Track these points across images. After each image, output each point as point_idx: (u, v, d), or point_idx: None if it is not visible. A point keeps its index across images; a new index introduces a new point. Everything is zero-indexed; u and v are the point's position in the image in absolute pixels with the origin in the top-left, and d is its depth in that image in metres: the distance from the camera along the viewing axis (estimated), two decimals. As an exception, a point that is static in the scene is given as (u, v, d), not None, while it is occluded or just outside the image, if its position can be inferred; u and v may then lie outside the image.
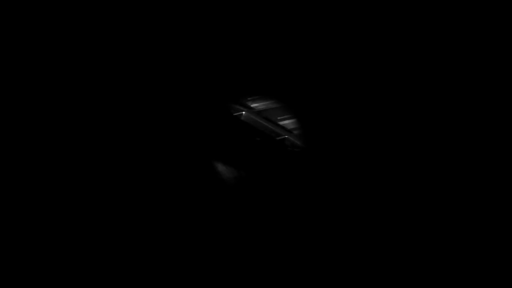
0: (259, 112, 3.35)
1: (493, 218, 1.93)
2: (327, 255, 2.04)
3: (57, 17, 1.78)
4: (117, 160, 1.98)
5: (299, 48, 1.86)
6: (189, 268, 2.00)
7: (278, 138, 2.92)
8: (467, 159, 1.92)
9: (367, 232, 2.04)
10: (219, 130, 3.12)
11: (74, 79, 1.84)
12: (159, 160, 2.04)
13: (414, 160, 1.93)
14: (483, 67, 1.82)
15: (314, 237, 2.10)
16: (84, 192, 1.96)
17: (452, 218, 1.95)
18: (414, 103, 1.87)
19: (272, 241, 2.11)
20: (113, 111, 1.92)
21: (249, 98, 3.76)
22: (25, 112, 1.84)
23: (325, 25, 1.80)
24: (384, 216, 2.02)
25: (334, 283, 1.98)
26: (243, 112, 3.32)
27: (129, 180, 2.03)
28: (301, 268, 2.00)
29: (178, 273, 1.99)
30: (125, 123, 1.94)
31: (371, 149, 1.94)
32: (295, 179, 2.25)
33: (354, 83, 1.89)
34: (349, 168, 2.00)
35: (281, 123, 3.31)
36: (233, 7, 1.79)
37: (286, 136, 2.92)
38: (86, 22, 1.78)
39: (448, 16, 1.77)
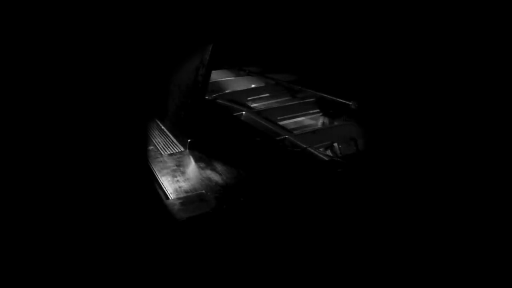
0: (259, 112, 3.35)
1: (493, 218, 1.92)
2: (329, 256, 2.03)
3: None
4: (106, 158, 1.96)
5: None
6: (187, 269, 1.99)
7: (278, 138, 2.92)
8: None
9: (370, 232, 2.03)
10: (219, 130, 3.12)
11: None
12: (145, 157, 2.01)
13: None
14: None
15: (315, 238, 2.09)
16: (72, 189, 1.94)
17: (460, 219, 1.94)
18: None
19: (272, 241, 2.10)
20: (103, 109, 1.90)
21: (249, 99, 3.75)
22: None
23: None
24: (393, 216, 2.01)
25: (334, 284, 1.97)
26: (243, 112, 3.32)
27: (123, 179, 2.02)
28: (301, 270, 1.99)
29: (178, 273, 1.98)
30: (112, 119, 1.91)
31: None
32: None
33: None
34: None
35: (281, 123, 3.32)
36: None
37: (286, 136, 2.92)
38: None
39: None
